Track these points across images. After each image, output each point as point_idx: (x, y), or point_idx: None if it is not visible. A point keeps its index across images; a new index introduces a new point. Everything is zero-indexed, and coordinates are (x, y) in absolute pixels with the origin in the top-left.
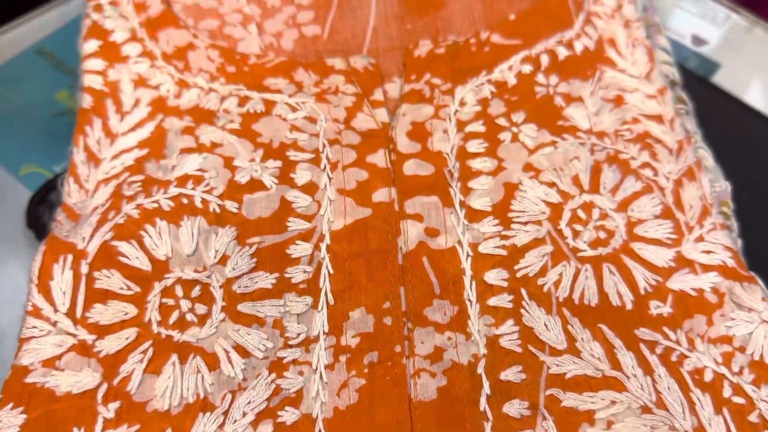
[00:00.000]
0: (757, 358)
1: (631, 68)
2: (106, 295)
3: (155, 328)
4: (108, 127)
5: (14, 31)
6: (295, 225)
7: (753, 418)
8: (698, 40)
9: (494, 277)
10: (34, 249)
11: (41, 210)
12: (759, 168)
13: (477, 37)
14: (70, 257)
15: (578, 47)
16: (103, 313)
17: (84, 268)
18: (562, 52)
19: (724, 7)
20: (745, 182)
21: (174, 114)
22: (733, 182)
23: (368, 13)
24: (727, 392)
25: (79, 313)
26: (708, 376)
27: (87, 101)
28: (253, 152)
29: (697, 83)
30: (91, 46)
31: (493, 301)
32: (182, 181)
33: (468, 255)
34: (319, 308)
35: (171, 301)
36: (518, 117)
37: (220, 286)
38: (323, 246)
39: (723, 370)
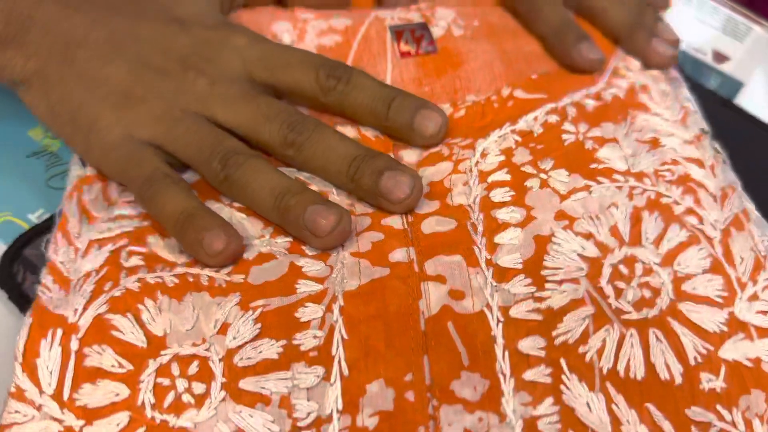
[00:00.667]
0: None
1: (666, 112)
2: (96, 374)
3: (149, 413)
4: (107, 193)
5: None
6: (305, 287)
7: None
8: (720, 57)
9: (530, 345)
10: (5, 309)
11: (15, 267)
12: None
13: (498, 95)
14: (59, 332)
15: (607, 97)
16: (92, 395)
17: (74, 344)
18: (590, 104)
19: (745, 18)
20: None
21: None
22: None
23: (384, 78)
24: None
25: (66, 395)
26: None
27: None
28: (263, 229)
29: (722, 106)
30: None
31: (529, 375)
32: (190, 263)
33: (499, 320)
34: (332, 381)
35: (166, 381)
36: (546, 164)
37: (220, 360)
38: (336, 307)
39: None
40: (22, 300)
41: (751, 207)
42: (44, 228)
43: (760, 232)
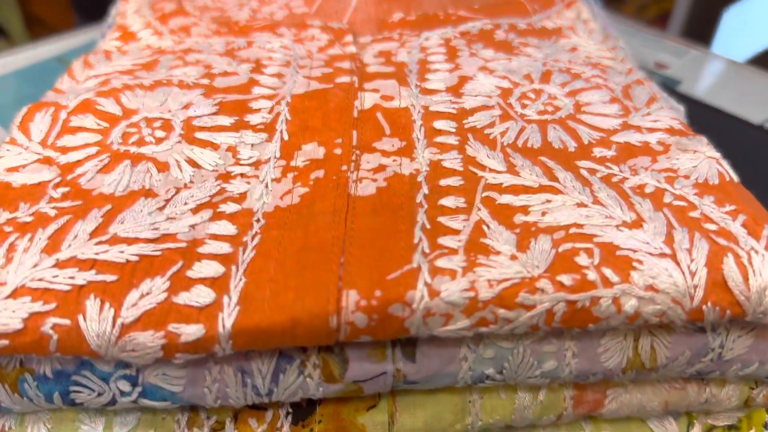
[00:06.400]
0: (701, 181)
1: (588, 37)
2: (77, 130)
3: (114, 146)
4: (109, 55)
5: (43, 46)
6: (260, 90)
7: (694, 214)
8: (660, 65)
9: (443, 125)
10: None
11: None
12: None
13: (445, 11)
14: (52, 108)
15: (537, 25)
16: (70, 140)
17: (63, 115)
18: (522, 25)
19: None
20: None
21: (171, 52)
22: None
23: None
24: (668, 199)
25: (49, 141)
26: (649, 189)
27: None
28: (233, 62)
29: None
30: (113, 34)
31: (439, 139)
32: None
33: (419, 112)
34: (273, 141)
35: (134, 130)
36: (477, 47)
37: (181, 121)
38: (284, 102)
39: (665, 185)
40: None
41: (660, 92)
42: None
43: (669, 104)
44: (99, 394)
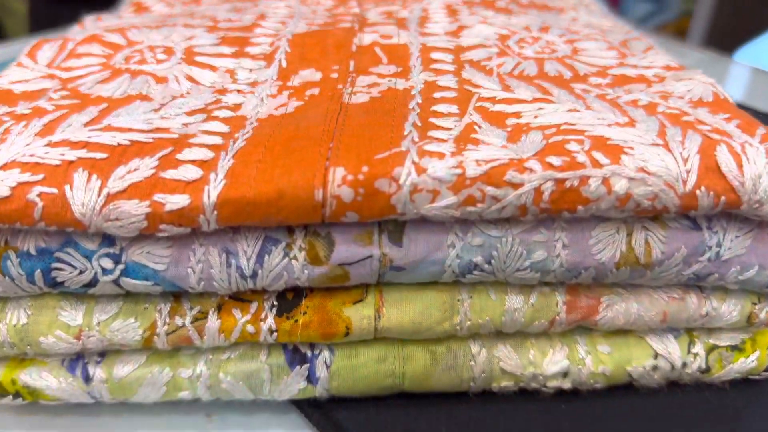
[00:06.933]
0: (695, 99)
1: (589, 16)
2: (82, 56)
3: (117, 65)
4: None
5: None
6: (262, 30)
7: (687, 118)
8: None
9: (440, 56)
10: None
11: None
12: None
13: None
14: (60, 41)
15: (539, 2)
16: (76, 63)
17: (70, 45)
18: (524, 1)
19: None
20: None
21: (180, 15)
22: None
23: None
24: (661, 109)
25: (56, 64)
26: (642, 103)
27: None
28: (237, 14)
29: None
30: (127, 9)
31: (435, 66)
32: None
33: (418, 47)
34: (271, 67)
35: (137, 54)
36: (477, 9)
37: (182, 50)
38: (284, 39)
39: (659, 100)
40: None
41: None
42: None
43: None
44: (81, 272)
